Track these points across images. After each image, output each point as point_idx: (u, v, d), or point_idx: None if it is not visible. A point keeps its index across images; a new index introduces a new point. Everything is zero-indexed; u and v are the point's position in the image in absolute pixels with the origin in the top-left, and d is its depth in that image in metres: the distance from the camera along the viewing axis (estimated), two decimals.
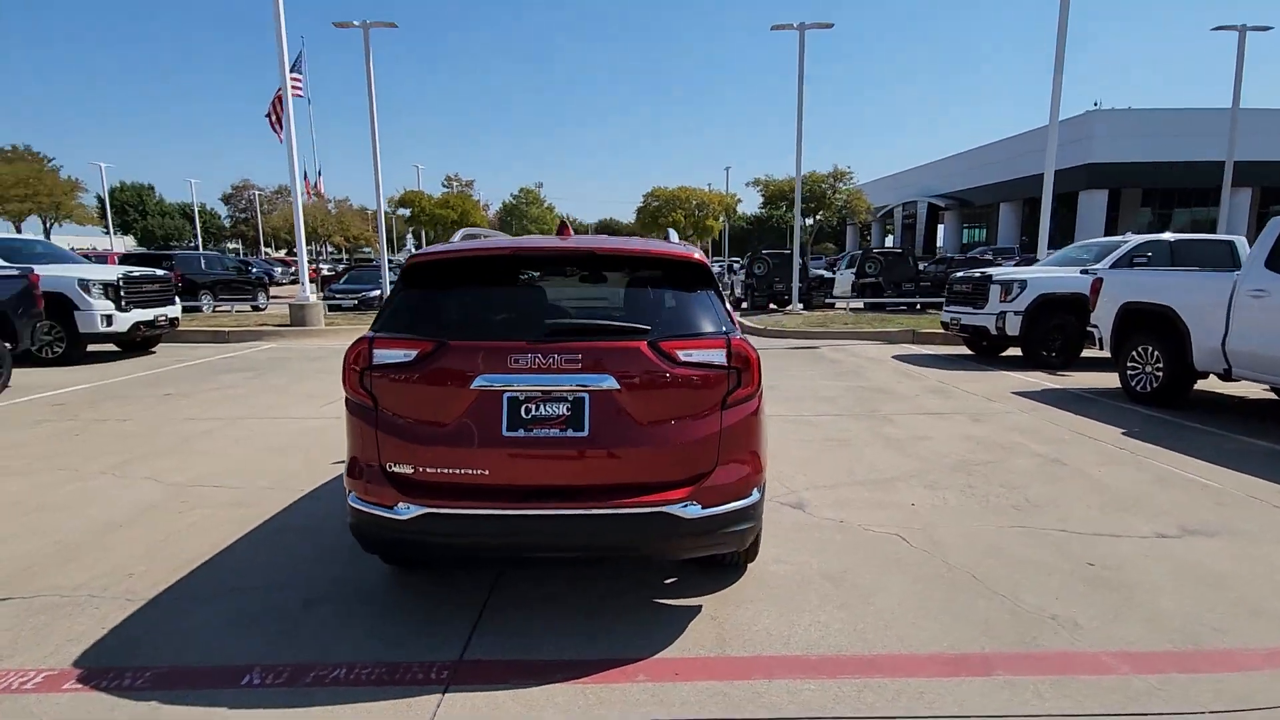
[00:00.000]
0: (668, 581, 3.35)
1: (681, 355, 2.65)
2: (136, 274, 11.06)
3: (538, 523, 2.58)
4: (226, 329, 13.64)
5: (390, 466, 2.67)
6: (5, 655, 2.72)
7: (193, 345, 12.87)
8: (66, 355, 10.38)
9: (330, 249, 58.00)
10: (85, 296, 10.25)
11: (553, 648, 2.77)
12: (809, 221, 31.14)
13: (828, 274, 25.01)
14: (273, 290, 26.45)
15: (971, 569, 3.46)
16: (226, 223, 65.62)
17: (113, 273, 10.67)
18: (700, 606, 3.10)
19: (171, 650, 2.75)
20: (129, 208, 66.79)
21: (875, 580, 3.35)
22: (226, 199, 52.77)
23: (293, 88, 16.41)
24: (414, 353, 2.63)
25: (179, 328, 12.52)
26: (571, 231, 3.29)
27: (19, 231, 36.49)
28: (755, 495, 2.81)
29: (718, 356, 2.69)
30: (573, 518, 2.57)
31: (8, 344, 8.16)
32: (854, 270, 21.41)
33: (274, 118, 18.91)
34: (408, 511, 2.60)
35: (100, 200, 57.68)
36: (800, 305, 19.34)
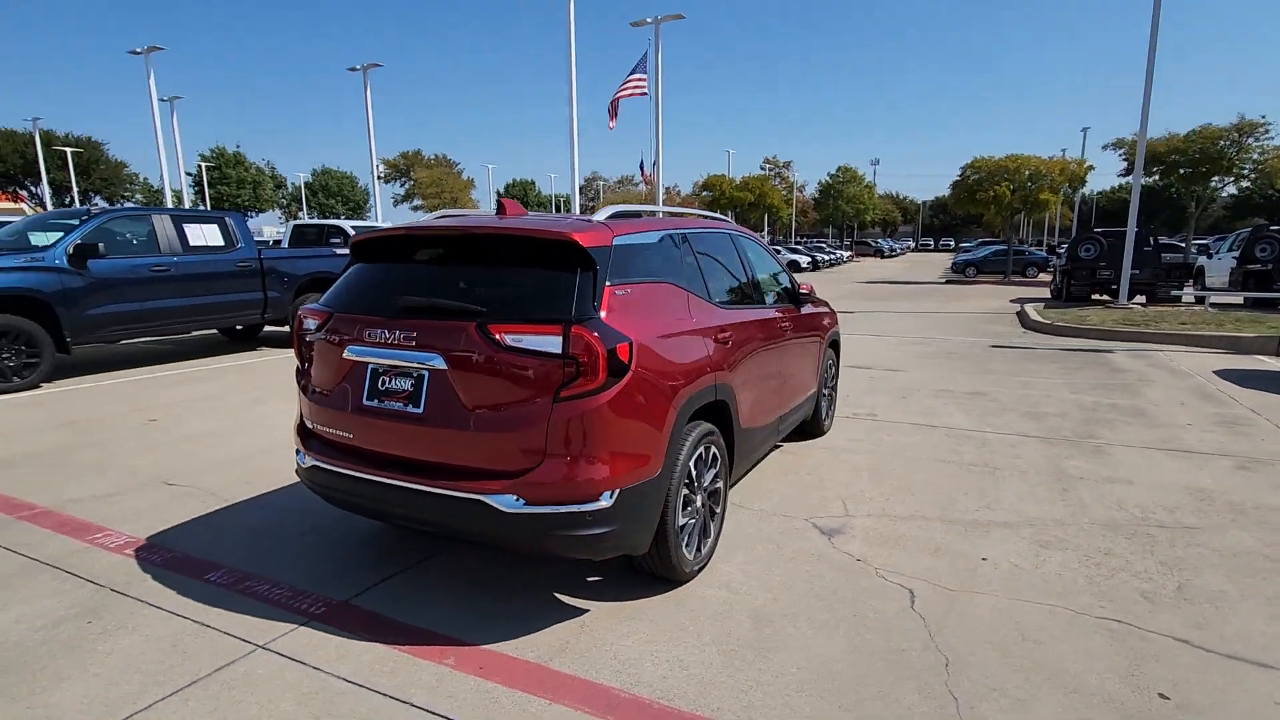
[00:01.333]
0: (590, 579, 3.18)
1: (508, 340, 2.50)
2: None
3: (385, 491, 2.72)
4: None
5: (306, 421, 3.07)
6: (129, 520, 3.83)
7: None
8: None
9: None
10: None
11: (426, 614, 2.88)
12: (1225, 187, 23.84)
13: (1207, 259, 19.31)
14: None
15: (957, 655, 2.58)
16: (585, 210, 76.65)
17: None
18: (586, 612, 2.90)
19: (198, 542, 3.57)
20: (516, 200, 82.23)
21: (807, 635, 2.73)
22: (581, 190, 61.60)
23: (636, 87, 18.37)
24: (316, 322, 2.97)
25: None
26: (521, 209, 3.26)
27: None
28: (604, 501, 2.53)
29: (550, 344, 2.47)
30: (409, 491, 2.65)
31: None
32: (1238, 254, 16.08)
33: (612, 113, 21.36)
34: (305, 461, 2.98)
35: (498, 194, 72.31)
36: (1140, 298, 15.41)
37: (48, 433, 5.63)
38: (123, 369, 8.51)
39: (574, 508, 2.50)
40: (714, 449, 3.23)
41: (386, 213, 65.69)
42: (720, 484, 3.35)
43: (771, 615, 2.87)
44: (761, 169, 55.16)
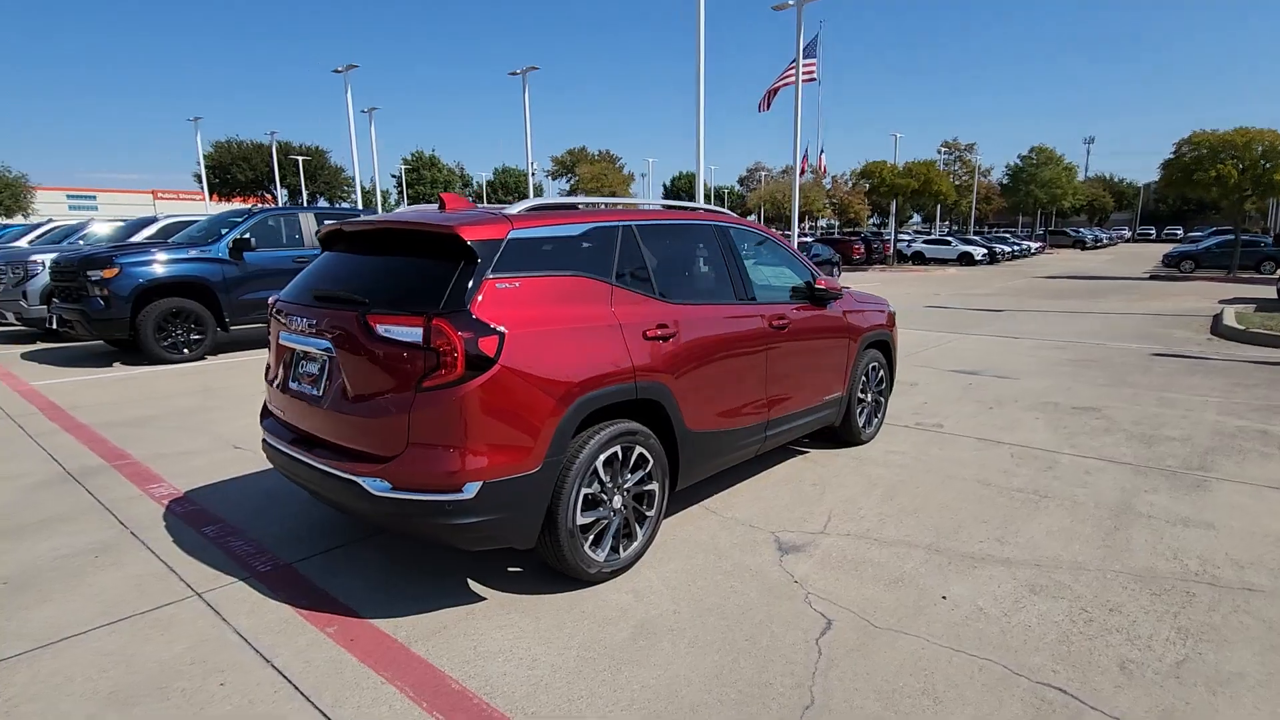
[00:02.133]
0: (510, 569, 3.22)
1: (380, 330, 2.60)
2: None
3: (296, 465, 2.95)
4: None
5: (266, 399, 3.41)
6: (186, 475, 4.48)
7: None
8: None
9: (826, 223, 60.98)
10: None
11: (345, 583, 3.10)
12: None
13: None
14: None
15: (827, 700, 2.30)
16: (743, 199, 75.71)
17: None
18: (482, 600, 2.95)
19: (218, 498, 4.09)
20: (682, 193, 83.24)
21: (680, 653, 2.56)
22: (742, 180, 60.80)
23: (804, 72, 17.96)
24: (268, 308, 3.28)
25: None
26: (464, 203, 3.32)
27: None
28: (466, 493, 2.56)
29: (413, 335, 2.54)
30: (309, 467, 2.86)
31: None
32: None
33: (765, 101, 21.11)
34: (261, 436, 3.31)
35: (665, 187, 73.99)
36: None
37: (183, 398, 6.72)
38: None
39: (435, 496, 2.56)
40: (640, 450, 3.12)
41: None
42: (653, 486, 3.23)
43: (658, 628, 2.73)
44: (939, 152, 50.91)
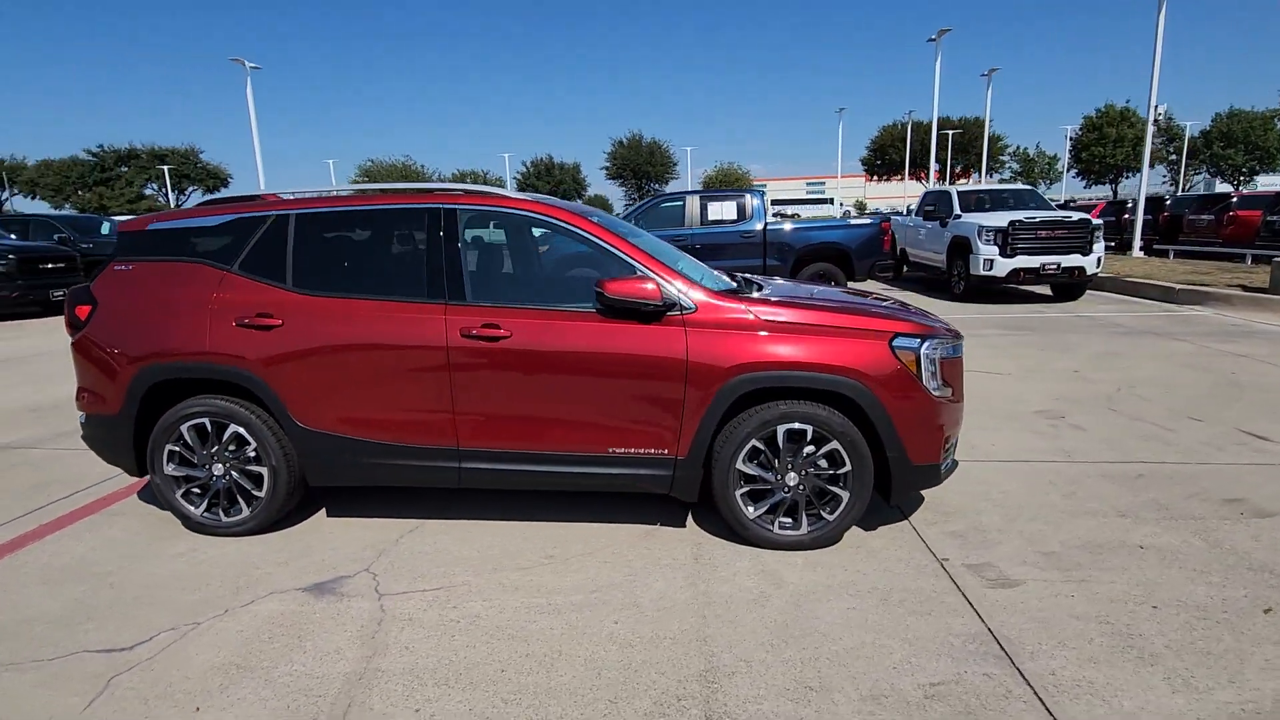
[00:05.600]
0: None
1: None
2: (1032, 220, 10.88)
3: None
4: (1181, 286, 10.89)
5: None
6: None
7: (1121, 299, 11.29)
8: (964, 294, 11.72)
9: None
10: (978, 241, 11.17)
11: None
12: None
13: None
14: None
15: None
16: None
17: (1004, 220, 10.96)
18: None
19: None
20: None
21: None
22: None
23: None
24: None
25: (1102, 276, 11.31)
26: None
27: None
28: (80, 418, 3.47)
29: None
30: None
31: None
32: None
33: None
34: None
35: None
36: None
37: None
38: None
39: (79, 416, 3.54)
40: (237, 429, 3.28)
41: None
42: (259, 469, 3.30)
43: (103, 605, 3.02)
44: None
